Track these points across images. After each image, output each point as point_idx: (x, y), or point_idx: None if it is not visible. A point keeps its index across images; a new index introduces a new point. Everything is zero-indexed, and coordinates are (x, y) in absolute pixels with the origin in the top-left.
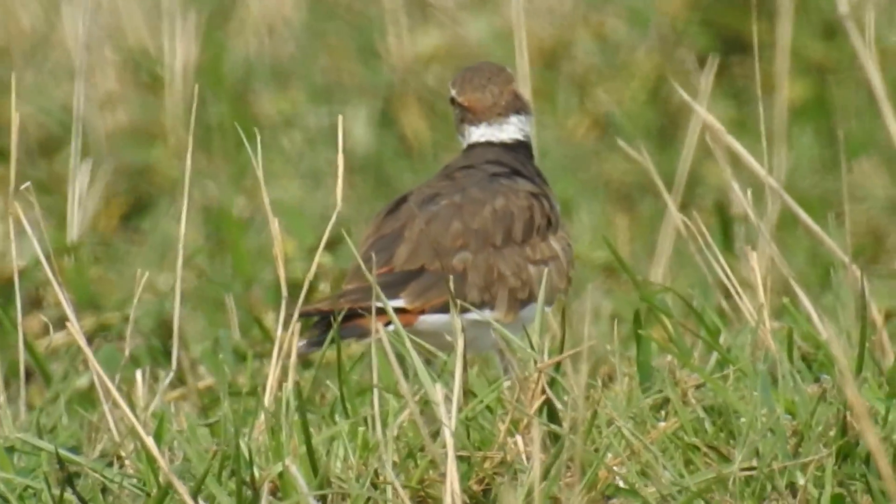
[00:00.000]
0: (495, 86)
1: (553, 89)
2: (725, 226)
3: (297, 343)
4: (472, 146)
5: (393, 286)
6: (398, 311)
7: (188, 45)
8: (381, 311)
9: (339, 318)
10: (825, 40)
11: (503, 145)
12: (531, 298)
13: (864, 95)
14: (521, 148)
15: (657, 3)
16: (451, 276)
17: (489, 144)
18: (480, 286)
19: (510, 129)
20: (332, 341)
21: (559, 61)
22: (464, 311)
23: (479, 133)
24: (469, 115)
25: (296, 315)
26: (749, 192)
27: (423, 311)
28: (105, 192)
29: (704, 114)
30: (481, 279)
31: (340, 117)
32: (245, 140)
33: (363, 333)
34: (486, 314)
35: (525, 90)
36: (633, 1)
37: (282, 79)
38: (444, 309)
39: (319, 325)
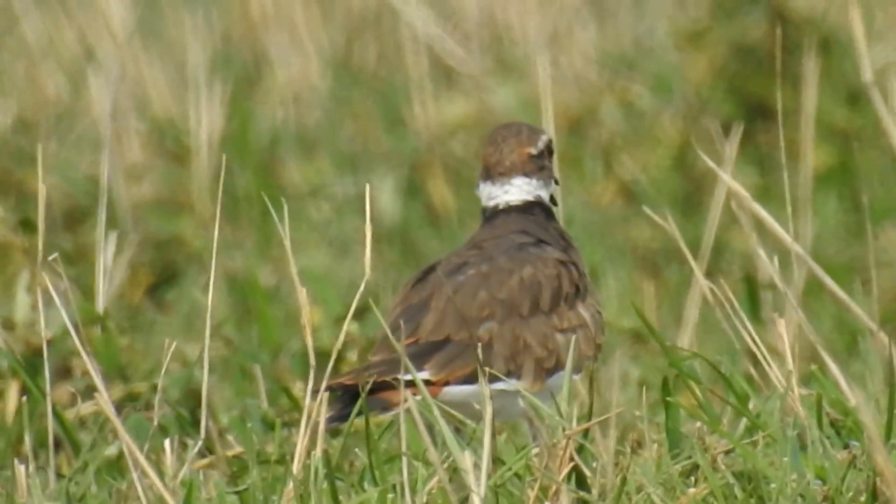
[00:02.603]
0: (508, 145)
1: (579, 156)
2: (752, 292)
3: (325, 415)
4: (493, 215)
5: (418, 357)
6: (423, 382)
7: (214, 115)
8: (410, 383)
9: (366, 391)
10: (849, 107)
11: (517, 209)
12: (558, 367)
13: (889, 161)
14: (537, 210)
15: (682, 70)
16: (479, 346)
17: (507, 210)
18: (506, 356)
19: (513, 190)
20: (360, 412)
21: (585, 128)
22: (491, 380)
23: (486, 190)
24: (482, 170)
25: (323, 387)
26: (775, 259)
27: (447, 383)
28: (132, 262)
29: (729, 180)
30: (507, 349)
31: (367, 186)
32: (272, 209)
33: (387, 407)
34: (513, 383)
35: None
36: (658, 68)
37: (308, 147)
38: (468, 380)
39: (344, 397)
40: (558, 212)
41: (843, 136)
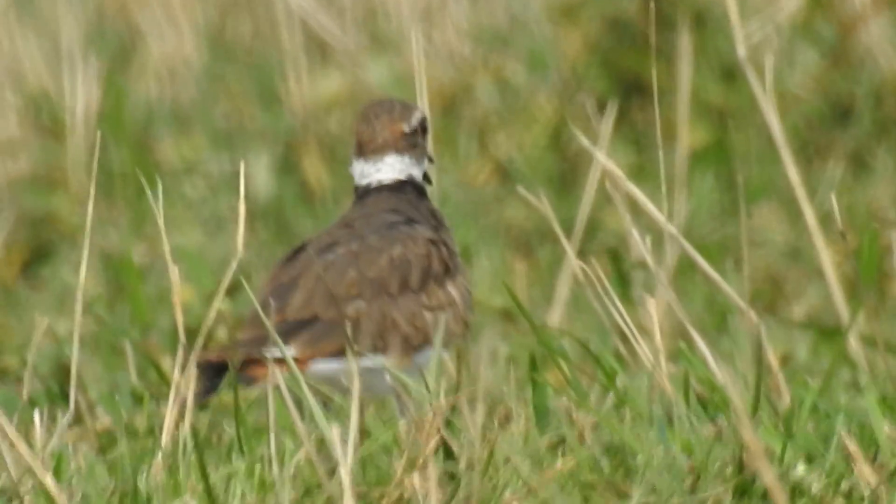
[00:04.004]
0: (381, 121)
1: (454, 134)
2: (623, 272)
3: (193, 389)
4: (365, 193)
5: (285, 334)
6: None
7: (90, 90)
8: (278, 359)
9: (234, 367)
10: (724, 84)
11: (389, 188)
12: (426, 344)
13: (764, 140)
14: (408, 188)
15: (557, 46)
16: (348, 323)
17: (379, 189)
18: (373, 333)
19: (385, 169)
20: (229, 386)
21: (460, 106)
22: (359, 356)
23: (359, 168)
24: (355, 147)
25: (192, 362)
26: (648, 239)
27: (313, 358)
28: (6, 239)
29: (604, 160)
30: (375, 326)
31: (242, 163)
32: (146, 186)
33: (252, 381)
34: (379, 359)
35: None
36: (533, 44)
37: (183, 124)
38: (336, 355)
39: (212, 372)
40: (432, 191)
41: (719, 113)
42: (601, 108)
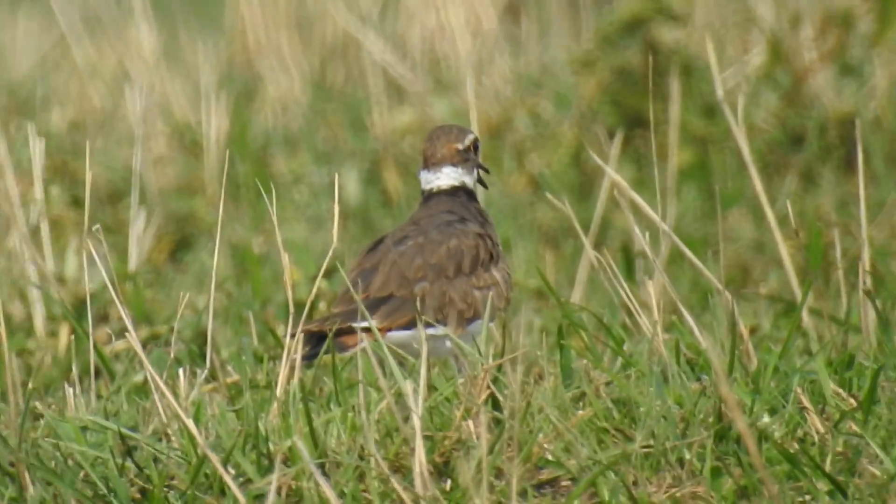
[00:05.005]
0: (440, 141)
1: (498, 154)
2: (629, 261)
3: (300, 352)
4: (429, 197)
5: (369, 309)
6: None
7: (221, 120)
8: (365, 329)
9: (332, 334)
10: (706, 118)
11: (446, 193)
12: (476, 316)
13: (736, 161)
14: (461, 193)
15: (577, 89)
16: (417, 301)
17: (439, 193)
18: (435, 308)
19: (443, 177)
20: (327, 351)
21: (503, 133)
22: (425, 326)
23: (424, 177)
24: (422, 161)
25: (300, 330)
26: (647, 235)
27: (390, 329)
28: (157, 232)
29: (613, 174)
30: (436, 302)
31: (336, 176)
32: (264, 193)
33: (344, 347)
34: (441, 328)
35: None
36: (559, 87)
37: (292, 145)
38: (407, 326)
39: (313, 339)
40: (482, 196)
41: (701, 140)
42: (611, 135)
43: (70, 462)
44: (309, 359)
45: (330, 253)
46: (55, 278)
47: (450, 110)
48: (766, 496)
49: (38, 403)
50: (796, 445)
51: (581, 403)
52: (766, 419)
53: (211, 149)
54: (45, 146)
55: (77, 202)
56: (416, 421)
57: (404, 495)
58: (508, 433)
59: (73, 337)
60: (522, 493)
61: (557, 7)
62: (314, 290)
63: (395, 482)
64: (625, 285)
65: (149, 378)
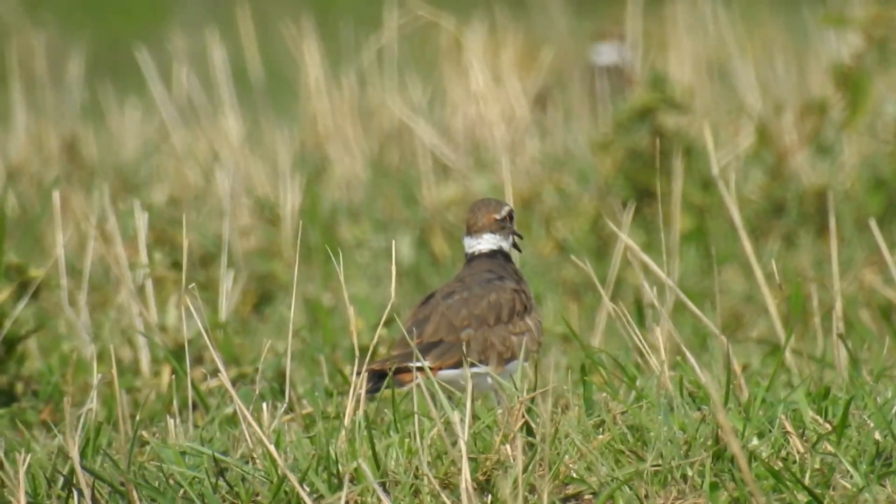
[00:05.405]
0: (481, 212)
1: (529, 222)
2: (640, 311)
3: (365, 388)
4: (472, 258)
5: (423, 351)
6: (427, 368)
7: (295, 195)
8: (419, 368)
9: (391, 373)
10: (704, 191)
11: (486, 255)
12: (513, 357)
13: (729, 226)
14: (499, 255)
15: (595, 167)
16: (463, 345)
17: (480, 256)
18: (479, 350)
19: (484, 243)
20: (387, 387)
21: (533, 204)
22: (470, 366)
23: (467, 242)
24: (465, 229)
25: (364, 369)
26: (654, 289)
27: (441, 368)
28: (242, 289)
29: (626, 239)
30: (479, 346)
31: (393, 241)
32: (332, 256)
33: (401, 383)
34: (484, 368)
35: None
36: (580, 165)
37: (355, 216)
38: (455, 366)
39: (375, 377)
40: (516, 258)
41: (700, 210)
42: (624, 206)
43: (171, 482)
44: (372, 393)
45: (388, 306)
46: (158, 328)
47: (488, 186)
48: None
49: (144, 432)
50: (780, 463)
51: (601, 429)
52: (755, 441)
53: (287, 219)
54: (148, 218)
55: (176, 265)
56: (462, 445)
57: None
58: (540, 455)
59: (173, 377)
60: None
61: (579, 98)
62: (376, 337)
63: (445, 497)
64: (637, 331)
65: (237, 411)
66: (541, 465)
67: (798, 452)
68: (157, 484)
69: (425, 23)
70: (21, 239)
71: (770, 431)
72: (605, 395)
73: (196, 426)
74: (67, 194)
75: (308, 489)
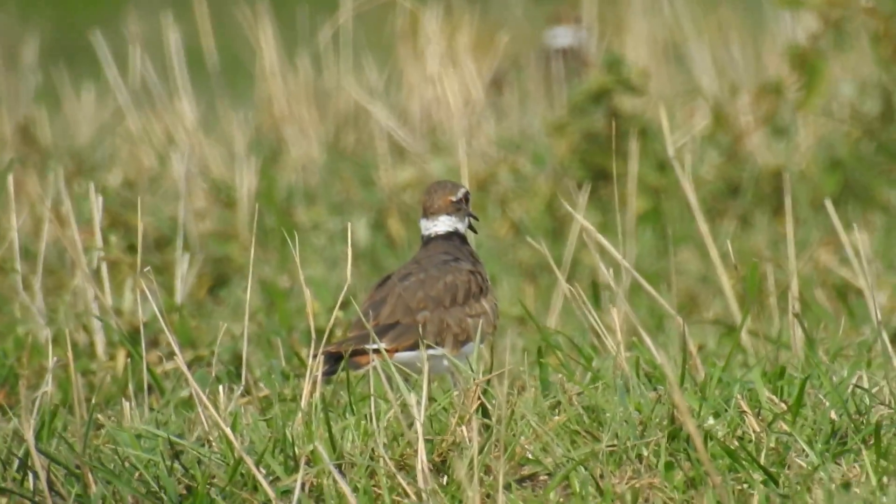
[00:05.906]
0: (437, 195)
1: (485, 204)
2: (596, 292)
3: (321, 370)
4: (428, 241)
5: (378, 334)
6: (383, 350)
7: (251, 178)
8: (375, 350)
9: (347, 356)
10: (659, 172)
11: (442, 237)
12: (469, 339)
13: (684, 207)
14: (455, 237)
15: (551, 149)
16: (419, 327)
17: (436, 238)
18: (435, 332)
19: (440, 225)
20: (343, 369)
21: (489, 186)
22: (426, 348)
23: (423, 224)
24: (421, 211)
25: (320, 352)
26: (611, 270)
27: (397, 350)
28: (198, 272)
29: (582, 220)
30: (435, 328)
31: (349, 224)
32: (288, 239)
33: (358, 365)
34: (439, 350)
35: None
36: (535, 148)
37: (311, 198)
38: (411, 348)
39: (331, 359)
40: (472, 240)
41: (655, 191)
42: (579, 187)
43: (127, 464)
44: (328, 375)
45: (345, 288)
46: (114, 311)
47: (444, 168)
48: (711, 485)
49: (99, 416)
50: (736, 443)
51: (557, 410)
52: (711, 421)
53: (243, 202)
54: (103, 202)
55: (131, 248)
56: (419, 427)
57: (408, 489)
58: (496, 436)
59: (129, 360)
60: (507, 487)
61: (535, 81)
62: (332, 319)
63: (401, 478)
64: (593, 312)
65: (193, 394)
66: (496, 446)
67: (754, 432)
68: (112, 467)
69: (381, 4)
70: None
71: (726, 411)
72: (561, 376)
73: (152, 409)
74: (22, 178)
75: (264, 471)
